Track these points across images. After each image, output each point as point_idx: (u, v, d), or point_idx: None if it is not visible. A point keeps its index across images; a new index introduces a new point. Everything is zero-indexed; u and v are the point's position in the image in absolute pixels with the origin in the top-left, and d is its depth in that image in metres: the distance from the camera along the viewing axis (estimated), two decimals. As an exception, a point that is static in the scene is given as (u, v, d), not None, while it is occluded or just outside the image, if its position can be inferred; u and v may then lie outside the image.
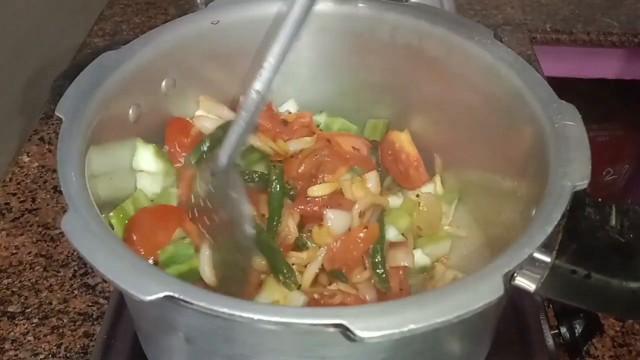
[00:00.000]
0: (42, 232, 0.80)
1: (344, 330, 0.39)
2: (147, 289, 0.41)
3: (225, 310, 0.39)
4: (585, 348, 0.69)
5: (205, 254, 0.59)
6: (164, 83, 0.65)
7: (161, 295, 0.40)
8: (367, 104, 0.74)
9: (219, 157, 0.59)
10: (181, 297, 0.40)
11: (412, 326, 0.39)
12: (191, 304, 0.40)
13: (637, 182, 1.48)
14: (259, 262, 0.60)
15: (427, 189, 0.70)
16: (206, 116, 0.68)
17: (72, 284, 0.75)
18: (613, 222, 0.48)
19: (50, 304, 0.72)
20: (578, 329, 0.70)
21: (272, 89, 0.57)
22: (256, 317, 0.39)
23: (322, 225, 0.62)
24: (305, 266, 0.61)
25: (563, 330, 0.70)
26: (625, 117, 1.43)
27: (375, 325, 0.39)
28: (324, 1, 0.69)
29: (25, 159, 0.91)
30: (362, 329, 0.38)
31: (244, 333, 0.45)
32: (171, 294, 0.41)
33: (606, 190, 1.47)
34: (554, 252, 0.45)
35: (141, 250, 0.59)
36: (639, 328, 0.71)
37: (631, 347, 0.69)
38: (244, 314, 0.39)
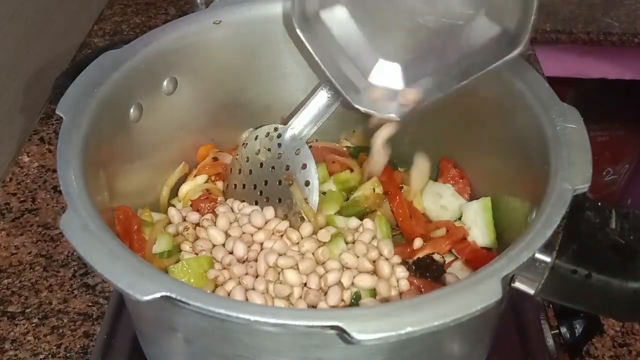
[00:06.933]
0: (42, 232, 0.81)
1: (341, 333, 0.39)
2: (144, 289, 0.41)
3: (221, 311, 0.40)
4: (585, 348, 0.69)
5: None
6: (165, 83, 0.65)
7: (158, 295, 0.41)
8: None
9: (292, 126, 0.66)
10: (178, 297, 0.40)
11: (409, 329, 0.39)
12: (188, 304, 0.40)
13: (637, 182, 1.48)
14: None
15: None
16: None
17: (72, 284, 0.75)
18: (613, 224, 0.47)
19: (50, 304, 0.73)
20: (578, 329, 0.70)
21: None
22: (252, 318, 0.39)
23: None
24: None
25: (563, 330, 0.70)
26: (625, 117, 1.42)
27: (372, 328, 0.39)
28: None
29: (25, 159, 0.91)
30: (358, 331, 0.38)
31: (241, 334, 0.45)
32: (168, 294, 0.41)
33: (606, 190, 1.47)
34: (555, 252, 0.45)
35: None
36: (639, 328, 0.71)
37: (631, 347, 0.69)
38: (240, 315, 0.39)
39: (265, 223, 0.63)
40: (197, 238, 0.63)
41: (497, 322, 0.58)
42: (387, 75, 0.63)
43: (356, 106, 0.63)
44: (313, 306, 0.56)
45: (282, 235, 0.62)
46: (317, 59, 0.63)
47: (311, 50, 0.63)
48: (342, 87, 0.63)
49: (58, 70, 0.64)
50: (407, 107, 0.62)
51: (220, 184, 0.73)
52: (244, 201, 0.67)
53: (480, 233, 0.65)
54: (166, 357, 0.57)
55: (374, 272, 0.60)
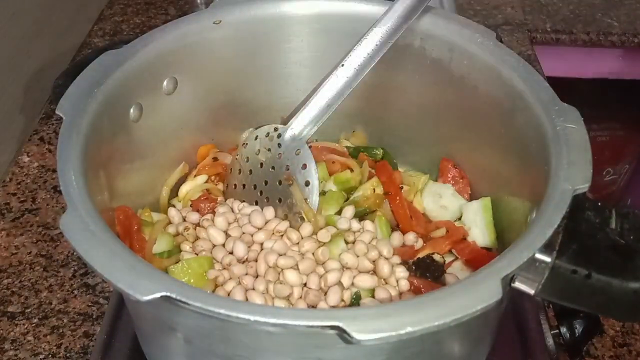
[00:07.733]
0: (42, 232, 0.81)
1: (341, 333, 0.39)
2: (144, 288, 0.41)
3: (221, 311, 0.39)
4: (585, 348, 0.69)
5: None
6: (165, 82, 0.65)
7: (158, 295, 0.40)
8: (367, 104, 0.74)
9: (292, 126, 0.66)
10: (178, 297, 0.40)
11: (409, 329, 0.39)
12: (187, 304, 0.40)
13: (637, 182, 1.47)
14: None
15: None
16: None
17: (72, 284, 0.75)
18: (613, 224, 0.47)
19: (50, 304, 0.73)
20: (578, 329, 0.70)
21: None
22: (252, 318, 0.39)
23: None
24: None
25: (563, 330, 0.70)
26: (625, 117, 1.42)
27: (372, 328, 0.39)
28: (326, 1, 0.69)
29: (25, 159, 0.91)
30: (358, 331, 0.38)
31: (241, 334, 0.45)
32: (168, 294, 0.41)
33: (606, 190, 1.47)
34: (555, 252, 0.45)
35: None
36: (639, 328, 0.71)
37: (631, 347, 0.69)
38: (240, 315, 0.39)
39: (265, 223, 0.63)
40: (197, 238, 0.63)
41: (497, 322, 0.58)
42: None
43: None
44: (313, 306, 0.56)
45: (282, 236, 0.62)
46: None
47: None
48: None
49: (58, 70, 0.64)
50: None
51: (220, 185, 0.73)
52: (244, 201, 0.67)
53: (480, 233, 0.65)
54: (166, 357, 0.57)
55: (374, 272, 0.60)
